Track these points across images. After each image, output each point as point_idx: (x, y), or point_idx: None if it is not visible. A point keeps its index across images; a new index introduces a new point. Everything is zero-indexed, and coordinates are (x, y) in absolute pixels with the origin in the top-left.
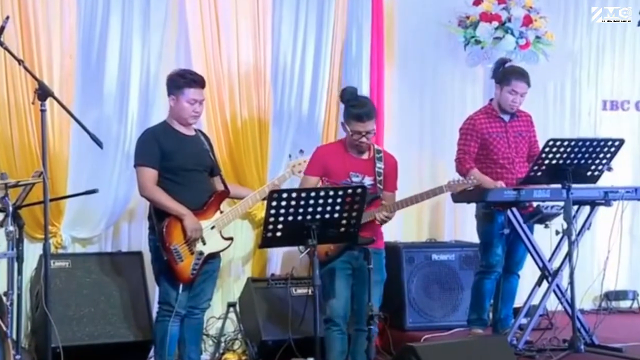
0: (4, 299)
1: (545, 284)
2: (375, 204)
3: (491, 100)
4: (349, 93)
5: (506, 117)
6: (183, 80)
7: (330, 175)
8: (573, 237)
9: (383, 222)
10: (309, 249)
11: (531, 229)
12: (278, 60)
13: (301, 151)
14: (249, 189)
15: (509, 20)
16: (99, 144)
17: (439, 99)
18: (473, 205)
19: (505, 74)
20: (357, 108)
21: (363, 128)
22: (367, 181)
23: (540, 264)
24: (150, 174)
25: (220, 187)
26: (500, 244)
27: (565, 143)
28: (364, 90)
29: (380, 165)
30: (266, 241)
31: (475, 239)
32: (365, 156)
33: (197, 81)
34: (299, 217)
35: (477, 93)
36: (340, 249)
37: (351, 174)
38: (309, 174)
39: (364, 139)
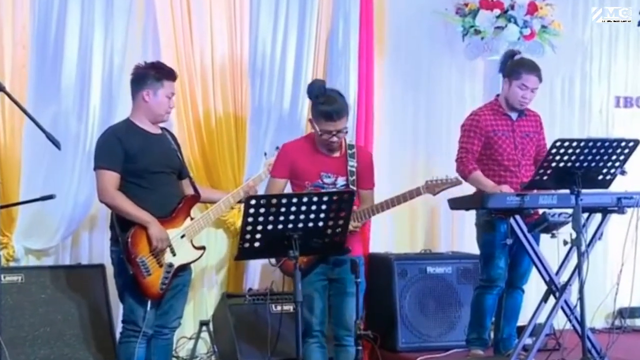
0: None
1: (552, 300)
2: None
3: (497, 95)
4: (317, 88)
5: (513, 115)
6: (162, 72)
7: (298, 177)
8: (583, 248)
9: (355, 231)
10: (281, 262)
11: (537, 239)
12: (256, 51)
13: (277, 149)
14: (222, 191)
15: (512, 7)
16: (56, 144)
17: (435, 96)
18: (472, 213)
19: (515, 66)
20: (326, 105)
21: (333, 127)
22: (340, 182)
23: (547, 278)
24: (112, 177)
25: (189, 191)
26: (503, 255)
27: (574, 144)
28: (352, 85)
29: (352, 163)
30: (243, 252)
31: (474, 249)
32: (336, 154)
33: (174, 74)
34: (280, 226)
35: (476, 88)
36: (312, 262)
37: (322, 175)
38: (276, 175)
39: (334, 139)
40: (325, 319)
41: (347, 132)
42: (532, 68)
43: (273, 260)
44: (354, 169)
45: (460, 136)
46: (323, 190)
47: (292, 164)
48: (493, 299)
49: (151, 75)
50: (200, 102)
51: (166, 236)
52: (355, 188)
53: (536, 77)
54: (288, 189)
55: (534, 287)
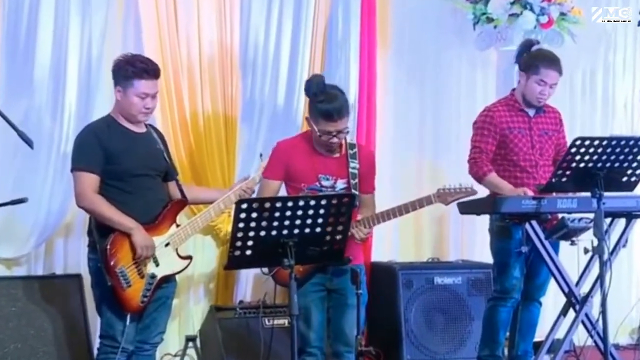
0: None
1: (572, 313)
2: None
3: (513, 90)
4: (316, 84)
5: (531, 112)
6: (132, 70)
7: (293, 178)
8: (605, 256)
9: (363, 240)
10: (274, 270)
11: (556, 247)
12: (248, 42)
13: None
14: (212, 189)
15: None
16: (29, 142)
17: (443, 90)
18: (483, 218)
19: (533, 59)
20: (326, 103)
21: (333, 127)
22: (340, 185)
23: (566, 289)
24: (91, 180)
25: (176, 194)
26: (518, 264)
27: (596, 142)
28: (352, 80)
29: (354, 164)
30: (233, 261)
31: (486, 258)
32: (336, 154)
33: (150, 71)
34: (273, 232)
35: (489, 82)
36: (309, 271)
37: (320, 177)
38: (269, 177)
39: (334, 140)
40: (324, 333)
41: (348, 133)
42: (552, 62)
43: (265, 269)
44: (356, 171)
45: (473, 134)
46: (321, 194)
47: (287, 165)
48: (507, 312)
49: (121, 72)
50: (187, 97)
51: (152, 243)
52: (358, 192)
53: (556, 72)
54: (283, 192)
55: (551, 299)
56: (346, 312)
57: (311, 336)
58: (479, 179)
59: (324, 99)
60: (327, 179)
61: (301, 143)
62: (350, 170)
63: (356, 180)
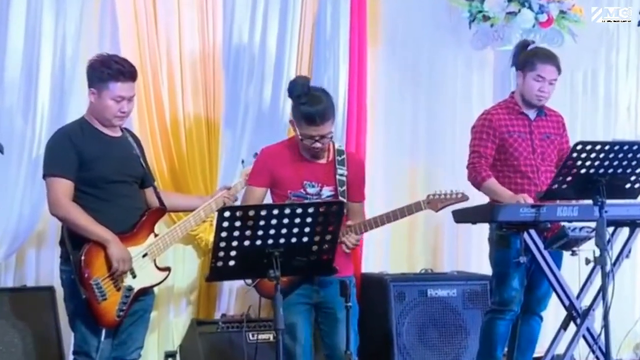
0: None
1: (572, 328)
2: None
3: (513, 93)
4: (300, 86)
5: (532, 115)
6: (108, 72)
7: (278, 185)
8: (608, 267)
9: (353, 248)
10: (256, 281)
11: (558, 258)
12: (231, 41)
13: (256, 155)
14: (191, 196)
15: None
16: None
17: (437, 92)
18: (480, 227)
19: (528, 57)
20: (308, 106)
21: (316, 132)
22: (326, 192)
23: (567, 302)
24: (65, 186)
25: (154, 202)
26: (518, 275)
27: (598, 147)
28: (341, 80)
29: (342, 170)
30: (215, 272)
31: (483, 269)
32: (323, 160)
33: (127, 72)
34: (258, 242)
35: (485, 83)
36: (293, 281)
37: (305, 184)
38: (254, 184)
39: (317, 144)
40: (311, 348)
41: (332, 138)
42: (548, 57)
43: (248, 280)
44: (344, 178)
45: (472, 139)
46: (306, 201)
47: (272, 171)
48: (506, 325)
49: (95, 73)
50: (167, 100)
51: (129, 256)
52: (346, 200)
53: (553, 67)
54: (268, 199)
55: (552, 312)
56: (337, 327)
57: (298, 351)
58: (478, 185)
59: (307, 102)
60: (313, 186)
61: (287, 149)
62: (337, 177)
63: (344, 188)
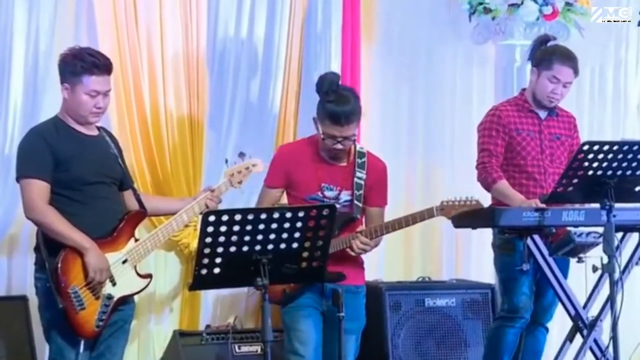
0: None
1: (579, 339)
2: (350, 227)
3: (523, 90)
4: (329, 82)
5: (542, 114)
6: (81, 65)
7: (295, 187)
8: (616, 275)
9: (361, 252)
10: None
11: (564, 265)
12: (216, 34)
13: (242, 154)
14: (174, 199)
15: None
16: None
17: (435, 88)
18: (480, 232)
19: (546, 54)
20: (336, 105)
21: (339, 133)
22: (344, 196)
23: (573, 312)
24: (41, 188)
25: (133, 205)
26: (527, 280)
27: (606, 147)
28: None
29: (361, 174)
30: (199, 281)
31: (484, 277)
32: (343, 162)
33: (101, 65)
34: (245, 248)
35: (486, 80)
36: (301, 285)
37: (323, 187)
38: (269, 185)
39: (339, 146)
40: (320, 354)
41: (354, 140)
42: (567, 58)
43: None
44: (361, 182)
45: (480, 137)
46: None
47: (289, 172)
48: (515, 334)
49: (68, 67)
50: (147, 96)
51: (107, 266)
52: (360, 204)
53: (570, 69)
54: (284, 202)
55: (557, 323)
56: (344, 340)
57: (307, 356)
58: (488, 186)
59: (335, 100)
60: (331, 189)
61: (305, 148)
62: (355, 180)
63: (361, 192)
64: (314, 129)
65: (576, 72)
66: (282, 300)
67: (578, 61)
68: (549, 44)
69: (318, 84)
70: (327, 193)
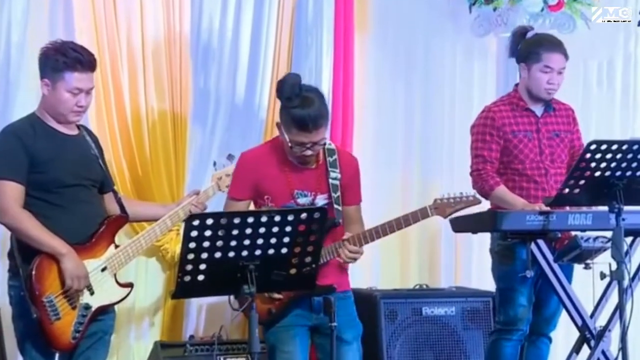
0: None
1: (586, 350)
2: (332, 234)
3: (516, 86)
4: (290, 86)
5: (538, 111)
6: (63, 60)
7: (264, 197)
8: (626, 283)
9: (350, 261)
10: (247, 303)
11: (569, 272)
12: (201, 26)
13: (230, 156)
14: (157, 204)
15: None
16: None
17: (434, 83)
18: (481, 237)
19: (531, 46)
20: (300, 109)
21: (307, 139)
22: (320, 201)
23: (579, 322)
24: (15, 191)
25: (114, 209)
26: (525, 290)
27: (614, 147)
28: (325, 71)
29: (335, 174)
30: (183, 288)
31: (485, 284)
32: (313, 165)
33: (85, 62)
34: (231, 254)
35: (487, 74)
36: (287, 304)
37: (296, 193)
38: (234, 197)
39: (308, 152)
40: None
41: (324, 144)
42: (553, 44)
43: (235, 303)
44: (337, 182)
45: (473, 141)
46: (287, 208)
47: (256, 181)
48: (513, 346)
49: (49, 62)
50: (127, 93)
51: (85, 273)
52: (340, 208)
53: (560, 55)
54: None
55: (562, 333)
56: (346, 350)
57: None
58: (485, 194)
59: (299, 105)
60: (305, 196)
61: (270, 153)
62: (330, 181)
63: (338, 194)
64: None
65: (566, 56)
66: (268, 321)
67: (564, 45)
68: (529, 35)
69: (278, 89)
70: (301, 200)
